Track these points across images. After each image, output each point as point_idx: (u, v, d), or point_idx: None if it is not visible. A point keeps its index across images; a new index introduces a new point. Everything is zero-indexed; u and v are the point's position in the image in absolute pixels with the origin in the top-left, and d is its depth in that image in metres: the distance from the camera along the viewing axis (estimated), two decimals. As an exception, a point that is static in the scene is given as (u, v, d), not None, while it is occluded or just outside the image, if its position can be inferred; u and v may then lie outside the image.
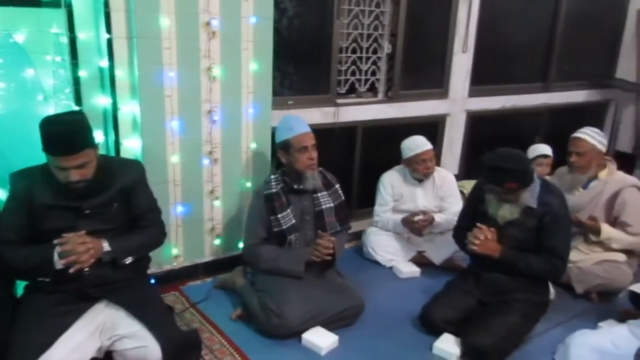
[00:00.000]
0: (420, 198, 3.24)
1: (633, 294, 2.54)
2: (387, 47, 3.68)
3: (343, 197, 2.73)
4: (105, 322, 2.00)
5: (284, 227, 2.56)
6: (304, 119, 2.66)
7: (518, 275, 2.42)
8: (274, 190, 2.58)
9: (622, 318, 2.54)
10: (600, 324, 2.57)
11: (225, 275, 2.85)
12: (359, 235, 3.47)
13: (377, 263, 3.24)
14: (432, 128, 3.99)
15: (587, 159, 2.81)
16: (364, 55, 3.62)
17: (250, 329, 2.47)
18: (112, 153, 2.57)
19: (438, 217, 3.14)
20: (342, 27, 3.44)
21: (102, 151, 2.44)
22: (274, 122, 2.94)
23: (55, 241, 1.94)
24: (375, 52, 3.67)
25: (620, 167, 3.01)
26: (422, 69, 3.93)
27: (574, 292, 2.84)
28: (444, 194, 3.24)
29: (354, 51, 3.57)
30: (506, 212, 2.39)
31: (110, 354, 1.98)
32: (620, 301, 2.80)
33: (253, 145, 2.96)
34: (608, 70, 5.23)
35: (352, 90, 3.67)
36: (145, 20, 2.45)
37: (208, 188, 2.88)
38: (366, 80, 3.70)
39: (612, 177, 2.86)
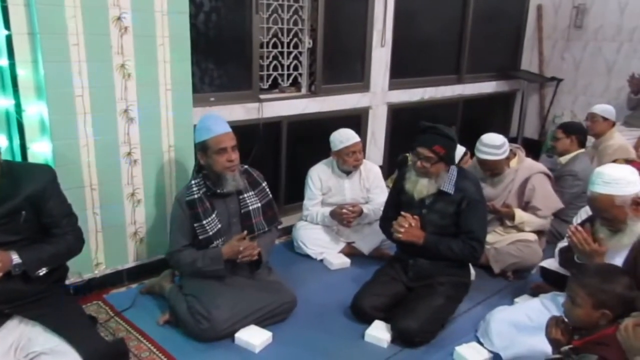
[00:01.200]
0: (348, 190, 3.30)
1: (543, 270, 2.77)
2: (307, 42, 3.70)
3: (270, 195, 2.68)
4: (20, 339, 1.87)
5: (210, 233, 2.46)
6: (223, 118, 2.56)
7: (441, 259, 2.53)
8: (196, 195, 2.45)
9: (534, 293, 2.75)
10: (516, 299, 2.76)
11: (152, 280, 2.75)
12: (289, 230, 3.47)
13: (307, 257, 3.26)
14: (356, 121, 4.07)
15: (498, 168, 3.02)
16: (285, 50, 3.61)
17: (179, 333, 2.40)
18: (19, 158, 2.39)
19: (365, 209, 3.22)
20: (262, 22, 3.41)
21: (6, 156, 2.26)
22: (195, 119, 2.86)
23: (-44, 257, 1.78)
24: (296, 46, 3.68)
25: (528, 154, 3.24)
26: (343, 63, 3.99)
27: (492, 272, 3.03)
28: (370, 185, 3.32)
29: (275, 46, 3.55)
30: (423, 187, 2.49)
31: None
32: (532, 277, 3.03)
33: (174, 145, 2.86)
34: (514, 62, 5.61)
35: (275, 85, 3.66)
36: (47, 15, 2.28)
37: (128, 191, 2.75)
38: (289, 75, 3.70)
39: (522, 164, 3.07)
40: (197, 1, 3.04)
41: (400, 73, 4.37)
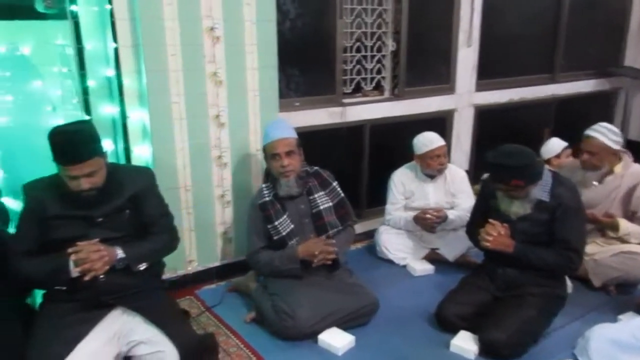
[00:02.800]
0: (432, 195, 3.22)
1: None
2: (391, 45, 3.67)
3: (342, 195, 2.70)
4: (122, 328, 2.01)
5: (283, 233, 2.56)
6: (286, 124, 2.64)
7: (532, 269, 2.39)
8: (267, 198, 2.58)
9: (641, 309, 2.51)
10: (619, 316, 2.54)
11: (238, 279, 2.86)
12: (370, 235, 3.46)
13: (390, 262, 3.23)
14: (440, 124, 3.97)
15: (598, 157, 2.77)
16: (368, 53, 3.61)
17: (265, 331, 2.47)
18: (123, 161, 2.59)
19: (450, 214, 3.13)
20: (346, 27, 3.43)
21: (112, 159, 2.46)
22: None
23: (69, 250, 1.96)
24: (379, 50, 3.66)
25: (636, 159, 2.96)
26: (427, 65, 3.91)
27: (591, 286, 2.81)
28: (455, 190, 3.22)
29: (358, 50, 3.56)
30: (518, 208, 2.37)
31: (129, 359, 1.99)
32: (639, 293, 2.77)
33: (261, 149, 2.96)
34: (615, 58, 5.17)
35: (358, 89, 3.67)
36: (149, 28, 2.46)
37: (219, 192, 2.89)
38: (372, 79, 3.69)
39: (628, 170, 2.81)
40: (283, 9, 3.12)
41: (488, 73, 4.19)
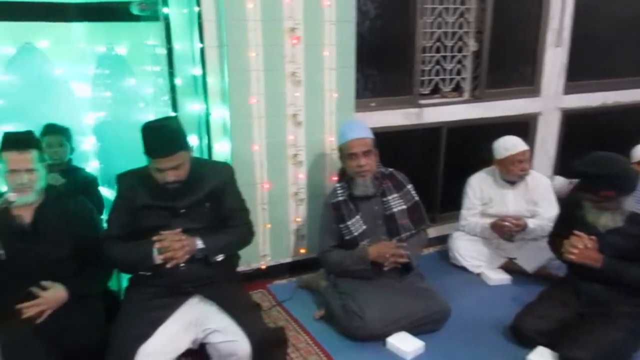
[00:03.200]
0: (511, 202, 3.08)
1: None
2: (473, 45, 3.55)
3: (417, 198, 2.66)
4: (199, 316, 2.10)
5: (355, 233, 2.55)
6: (362, 124, 2.64)
7: (622, 286, 2.22)
8: (340, 198, 2.58)
9: None
10: None
11: (309, 276, 2.89)
12: (443, 240, 3.37)
13: (463, 269, 3.13)
14: (522, 128, 3.78)
15: None
16: (448, 54, 3.52)
17: (333, 329, 2.49)
18: (205, 156, 2.71)
19: (531, 223, 2.97)
20: (425, 27, 3.37)
21: (196, 154, 2.58)
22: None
23: (154, 238, 2.08)
24: (460, 50, 3.56)
25: None
26: (511, 66, 3.74)
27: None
28: (537, 198, 3.06)
29: (437, 50, 3.48)
30: (608, 220, 2.21)
31: (204, 345, 2.08)
32: None
33: (336, 148, 2.98)
34: None
35: (435, 90, 3.59)
36: (233, 29, 2.56)
37: (293, 190, 2.94)
38: (451, 80, 3.60)
39: None
40: (363, 9, 3.12)
41: (579, 75, 3.94)
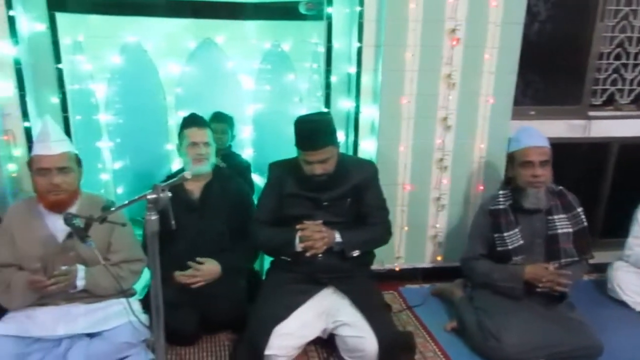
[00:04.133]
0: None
1: None
2: (662, 53, 3.10)
3: (585, 223, 2.40)
4: (331, 307, 2.17)
5: (510, 247, 2.38)
6: (540, 133, 2.43)
7: None
8: (501, 206, 2.41)
9: None
10: None
11: (444, 285, 2.80)
12: (602, 268, 3.00)
13: (623, 303, 2.76)
14: None
15: None
16: (630, 61, 3.12)
17: (464, 344, 2.37)
18: (350, 153, 2.77)
19: None
20: (606, 30, 3.02)
21: (341, 150, 2.65)
22: (512, 133, 2.77)
23: (297, 226, 2.20)
24: (645, 58, 3.13)
25: None
26: None
27: None
28: None
29: (617, 57, 3.11)
30: None
31: (333, 337, 2.14)
32: None
33: (486, 156, 2.84)
34: None
35: (609, 101, 3.21)
36: (393, 29, 2.56)
37: (435, 195, 2.87)
38: (630, 91, 3.18)
39: None
40: (534, 10, 2.91)
41: None
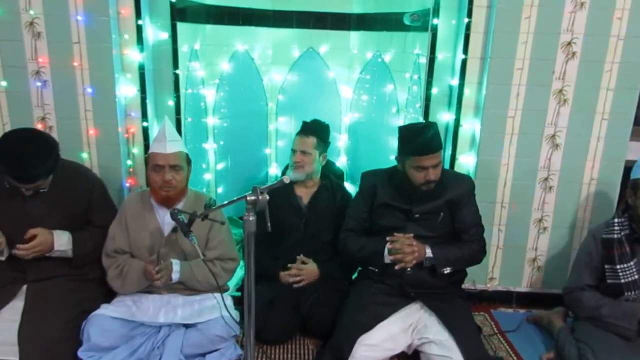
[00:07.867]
0: None
1: None
2: None
3: None
4: (418, 322, 2.13)
5: (622, 281, 2.15)
6: None
7: None
8: (616, 235, 2.18)
9: None
10: None
11: (543, 312, 2.62)
12: None
13: None
14: None
15: None
16: None
17: (563, 379, 2.21)
18: (447, 167, 2.70)
19: None
20: None
21: (439, 164, 2.59)
22: (630, 155, 2.54)
23: (388, 238, 2.18)
24: None
25: None
26: None
27: None
28: None
29: None
30: None
31: (418, 354, 2.09)
32: None
33: (598, 178, 2.63)
34: None
35: None
36: (501, 42, 2.46)
37: (537, 216, 2.70)
38: None
39: None
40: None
41: None
